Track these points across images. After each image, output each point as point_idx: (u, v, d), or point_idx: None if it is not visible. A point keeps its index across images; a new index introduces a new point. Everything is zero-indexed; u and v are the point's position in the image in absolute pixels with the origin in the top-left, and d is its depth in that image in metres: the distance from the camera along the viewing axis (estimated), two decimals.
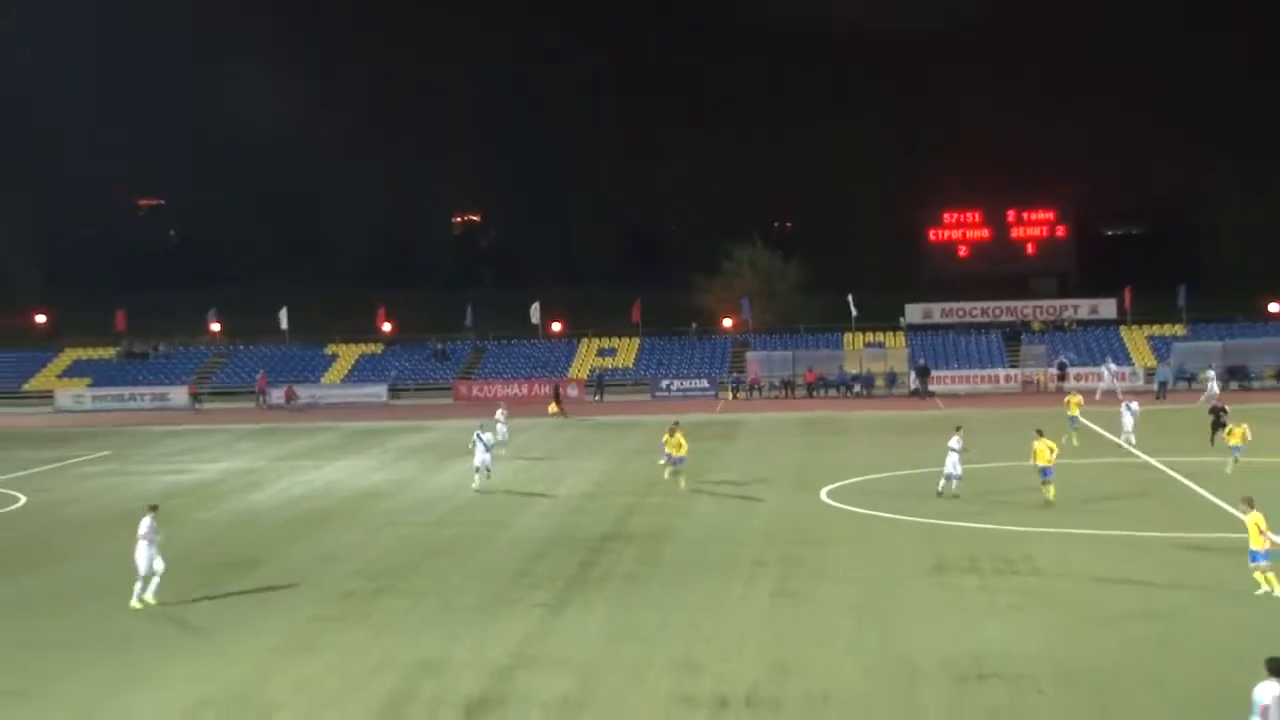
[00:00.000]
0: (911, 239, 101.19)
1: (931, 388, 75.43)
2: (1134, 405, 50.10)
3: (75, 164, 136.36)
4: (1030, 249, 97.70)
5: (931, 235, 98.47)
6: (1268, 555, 25.11)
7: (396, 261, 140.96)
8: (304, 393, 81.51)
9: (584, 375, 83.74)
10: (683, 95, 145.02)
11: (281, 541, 34.31)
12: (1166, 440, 49.81)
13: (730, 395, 78.55)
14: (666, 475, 41.86)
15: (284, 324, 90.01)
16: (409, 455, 53.11)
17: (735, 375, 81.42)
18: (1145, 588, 26.29)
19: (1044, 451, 36.36)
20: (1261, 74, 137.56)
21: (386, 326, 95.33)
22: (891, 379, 78.93)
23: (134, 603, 26.63)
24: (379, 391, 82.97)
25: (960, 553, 29.74)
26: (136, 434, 65.85)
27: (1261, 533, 25.13)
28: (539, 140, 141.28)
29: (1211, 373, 70.28)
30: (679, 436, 41.61)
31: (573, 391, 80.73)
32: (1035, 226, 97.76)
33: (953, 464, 37.54)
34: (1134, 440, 48.29)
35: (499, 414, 54.48)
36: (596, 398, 79.46)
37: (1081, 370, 76.92)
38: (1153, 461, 44.35)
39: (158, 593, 26.89)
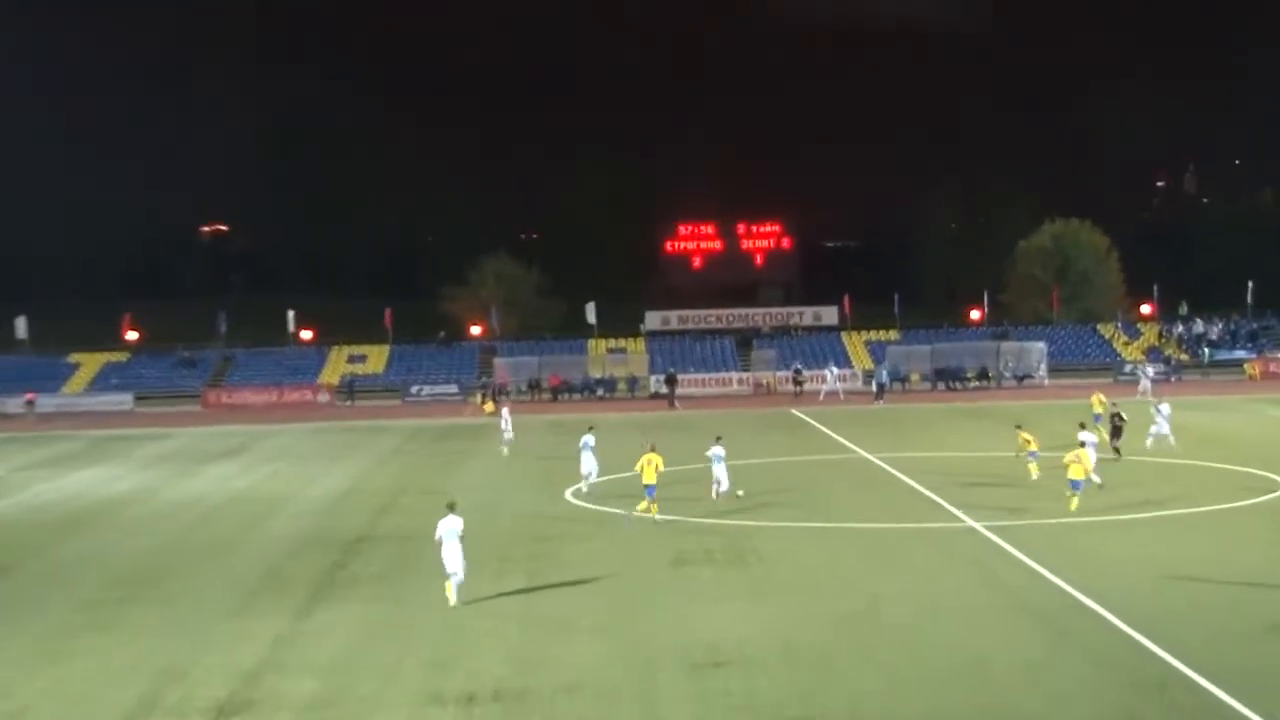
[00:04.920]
0: (649, 250, 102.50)
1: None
2: (1165, 408, 45.32)
3: None
4: (759, 260, 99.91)
5: (668, 246, 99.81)
6: None
7: (143, 270, 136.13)
8: (45, 402, 77.56)
9: (334, 381, 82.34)
10: (436, 118, 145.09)
11: (28, 550, 32.65)
12: (885, 437, 51.73)
13: (480, 401, 78.17)
14: (649, 510, 33.62)
15: (21, 333, 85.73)
16: (157, 463, 51.20)
17: (484, 379, 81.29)
18: (856, 573, 27.21)
19: (1077, 466, 33.33)
20: (978, 103, 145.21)
21: (132, 335, 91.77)
22: (633, 383, 79.89)
23: (453, 601, 24.87)
24: (124, 400, 79.72)
25: (696, 546, 30.29)
26: None
27: None
28: (293, 154, 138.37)
29: (1150, 369, 69.66)
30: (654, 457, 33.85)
31: (323, 398, 79.36)
32: (764, 239, 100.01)
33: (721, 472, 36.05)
34: (1172, 441, 44.02)
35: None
36: (348, 402, 78.33)
37: (806, 373, 78.87)
38: (871, 458, 45.98)
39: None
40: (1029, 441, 38.66)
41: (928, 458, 45.27)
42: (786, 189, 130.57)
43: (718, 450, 36.37)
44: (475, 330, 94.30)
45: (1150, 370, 69.97)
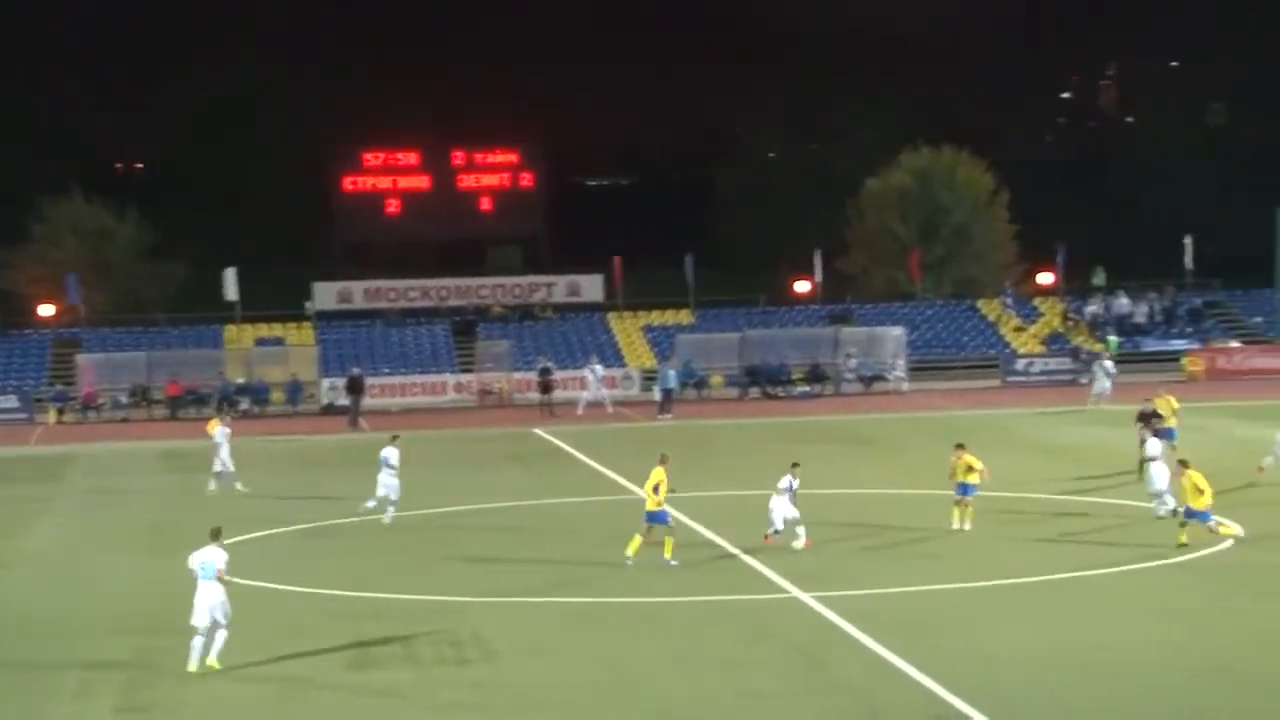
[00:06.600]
0: (320, 190, 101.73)
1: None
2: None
3: None
4: (486, 204, 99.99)
5: (348, 184, 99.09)
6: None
7: None
8: None
9: None
10: None
11: None
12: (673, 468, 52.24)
13: (54, 417, 76.68)
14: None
15: None
16: None
17: (60, 387, 79.76)
18: (631, 670, 27.44)
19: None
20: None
21: None
22: (295, 390, 79.39)
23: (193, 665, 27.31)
24: None
25: (388, 634, 30.09)
26: None
27: None
28: None
29: (1110, 364, 71.46)
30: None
31: None
32: (493, 173, 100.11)
33: None
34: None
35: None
36: None
37: (558, 375, 78.89)
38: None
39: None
40: (973, 469, 39.08)
41: (733, 498, 45.81)
42: (525, 101, 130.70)
43: (788, 480, 38.13)
44: (45, 310, 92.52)
45: (1111, 367, 71.09)
